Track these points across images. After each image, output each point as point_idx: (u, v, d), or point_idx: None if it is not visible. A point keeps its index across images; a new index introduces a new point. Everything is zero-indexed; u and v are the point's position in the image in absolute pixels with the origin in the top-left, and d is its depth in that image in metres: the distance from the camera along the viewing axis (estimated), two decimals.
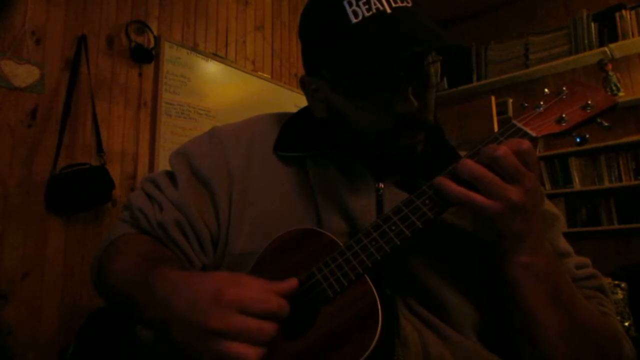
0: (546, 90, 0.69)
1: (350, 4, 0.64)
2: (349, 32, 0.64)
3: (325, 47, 0.67)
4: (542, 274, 0.61)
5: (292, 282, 0.58)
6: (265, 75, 3.05)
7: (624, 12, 3.36)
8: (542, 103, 0.67)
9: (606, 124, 0.66)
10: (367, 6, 0.63)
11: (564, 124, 0.65)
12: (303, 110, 0.85)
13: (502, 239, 0.61)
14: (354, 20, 0.63)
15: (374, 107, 0.67)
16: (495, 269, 0.64)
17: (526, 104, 0.68)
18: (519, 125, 0.65)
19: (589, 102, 0.65)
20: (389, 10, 0.63)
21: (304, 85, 0.77)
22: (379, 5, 0.63)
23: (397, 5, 0.64)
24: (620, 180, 3.28)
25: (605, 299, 0.73)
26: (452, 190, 0.59)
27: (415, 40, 0.61)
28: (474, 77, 3.98)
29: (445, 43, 0.63)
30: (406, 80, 0.65)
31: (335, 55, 0.66)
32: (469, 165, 0.60)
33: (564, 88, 0.68)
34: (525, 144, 0.60)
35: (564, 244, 0.77)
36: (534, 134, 0.64)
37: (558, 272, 0.64)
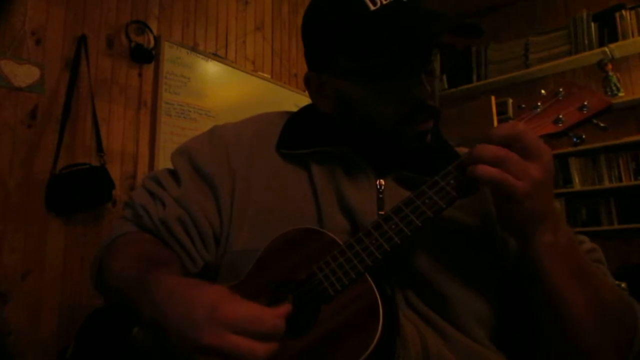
0: (543, 91, 0.69)
1: None
2: (368, 18, 0.66)
3: (342, 34, 0.69)
4: (565, 252, 0.61)
5: (285, 308, 0.56)
6: (265, 75, 3.05)
7: (624, 12, 3.36)
8: (539, 104, 0.68)
9: (602, 125, 0.67)
10: None
11: (560, 125, 0.65)
12: (305, 109, 0.85)
13: (528, 221, 0.60)
14: (372, 8, 0.66)
15: (390, 92, 0.68)
16: (503, 259, 0.64)
17: (523, 105, 0.69)
18: None
19: (585, 103, 0.66)
20: None
21: (308, 82, 0.78)
22: None
23: None
24: (620, 180, 3.28)
25: (606, 270, 0.74)
26: (485, 171, 0.58)
27: (436, 23, 0.64)
28: (474, 77, 3.98)
29: (462, 22, 0.65)
30: (422, 66, 0.68)
31: (354, 41, 0.68)
32: (490, 147, 0.59)
33: (561, 89, 0.68)
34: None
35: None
36: None
37: (578, 250, 0.64)
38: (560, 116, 0.65)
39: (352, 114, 0.73)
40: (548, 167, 0.59)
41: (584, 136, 0.66)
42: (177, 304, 0.54)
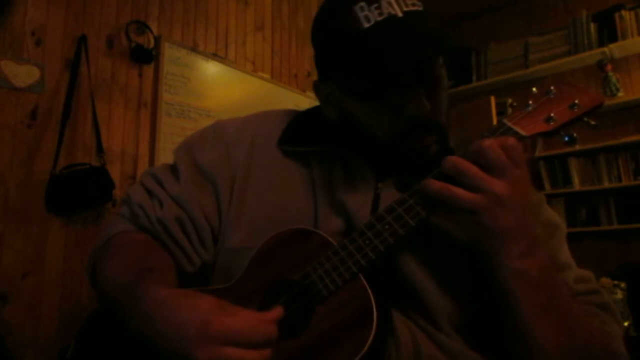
0: (534, 89, 0.69)
1: (362, 9, 0.65)
2: (361, 37, 0.64)
3: (338, 52, 0.68)
4: (535, 282, 0.59)
5: (277, 312, 0.57)
6: (265, 75, 3.05)
7: (623, 12, 3.36)
8: (531, 102, 0.68)
9: (593, 123, 0.66)
10: (378, 11, 0.64)
11: (552, 123, 0.65)
12: (313, 109, 0.85)
13: (490, 237, 0.60)
14: (366, 25, 0.64)
15: (386, 110, 0.67)
16: (488, 273, 0.63)
17: (515, 104, 0.69)
18: (509, 124, 0.66)
19: (576, 101, 0.66)
20: (400, 14, 0.64)
21: (317, 90, 0.78)
22: (390, 9, 0.64)
23: (408, 9, 0.64)
24: (620, 180, 3.27)
25: (608, 317, 0.70)
26: (432, 186, 0.60)
27: (426, 43, 0.62)
28: (474, 77, 3.98)
29: (455, 45, 0.63)
30: (418, 83, 0.65)
31: (348, 60, 0.67)
32: (453, 160, 0.60)
33: (552, 87, 0.69)
34: (511, 139, 0.60)
35: (564, 257, 0.74)
36: (523, 133, 0.64)
37: (553, 281, 0.62)
38: (552, 115, 0.65)
39: (352, 126, 0.72)
40: (516, 187, 0.58)
41: (575, 135, 0.66)
42: (166, 318, 0.54)
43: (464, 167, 0.59)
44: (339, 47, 0.68)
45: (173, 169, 0.82)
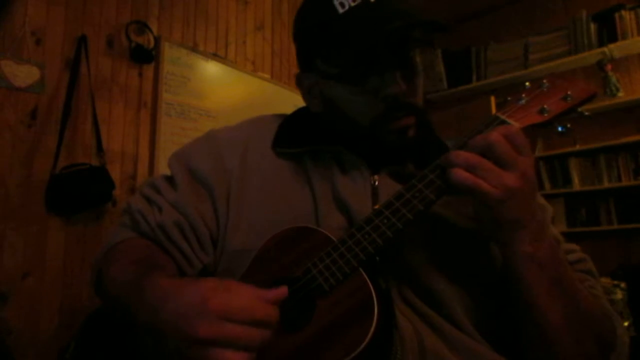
0: (527, 83, 0.71)
1: None
2: (336, 22, 0.69)
3: (317, 39, 0.73)
4: (545, 263, 0.61)
5: (282, 290, 0.56)
6: (265, 75, 3.05)
7: (623, 12, 3.36)
8: (523, 95, 0.69)
9: (587, 114, 0.68)
10: None
11: (545, 115, 0.66)
12: (299, 110, 0.88)
13: (501, 228, 0.61)
14: (341, 11, 0.69)
15: (364, 91, 0.70)
16: (494, 261, 0.65)
17: (509, 98, 0.70)
18: (502, 117, 0.66)
19: (569, 92, 0.67)
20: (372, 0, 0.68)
21: (299, 82, 0.81)
22: None
23: None
24: (620, 180, 3.27)
25: (594, 281, 0.74)
26: (460, 176, 0.59)
27: (395, 18, 0.66)
28: (474, 78, 3.98)
29: (423, 19, 0.67)
30: (393, 64, 0.68)
31: (325, 45, 0.71)
32: (463, 154, 0.60)
33: (544, 80, 0.71)
34: (513, 128, 0.61)
35: (553, 231, 0.77)
36: (517, 125, 0.65)
37: (559, 259, 0.64)
38: (545, 106, 0.66)
39: (335, 113, 0.75)
40: (525, 176, 0.59)
41: (569, 125, 0.67)
42: (169, 303, 0.54)
43: (476, 161, 0.59)
44: (316, 35, 0.72)
45: (169, 179, 0.83)
